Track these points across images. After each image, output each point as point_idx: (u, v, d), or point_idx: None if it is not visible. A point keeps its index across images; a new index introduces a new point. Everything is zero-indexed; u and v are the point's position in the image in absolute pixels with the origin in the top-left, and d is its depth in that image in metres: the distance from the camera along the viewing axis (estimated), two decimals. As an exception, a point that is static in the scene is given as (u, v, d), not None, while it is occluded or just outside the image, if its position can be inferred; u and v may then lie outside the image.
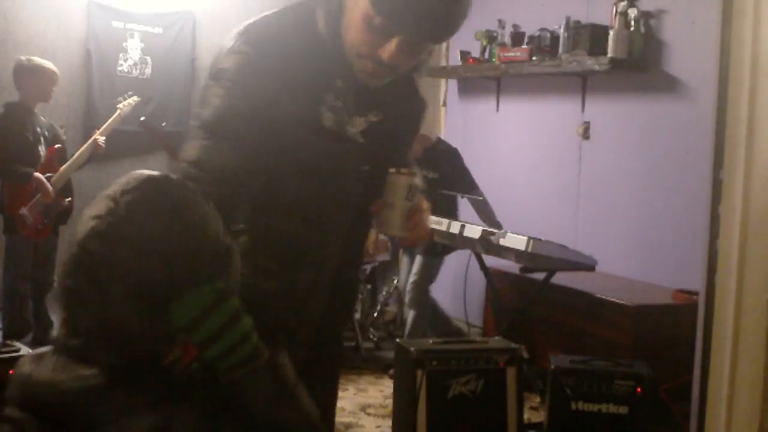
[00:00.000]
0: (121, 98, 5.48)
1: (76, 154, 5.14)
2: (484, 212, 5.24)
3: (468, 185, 5.26)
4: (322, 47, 1.74)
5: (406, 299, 5.36)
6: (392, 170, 1.83)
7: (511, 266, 4.90)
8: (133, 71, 6.19)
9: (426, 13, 1.60)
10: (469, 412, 3.67)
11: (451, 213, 5.17)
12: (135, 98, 5.48)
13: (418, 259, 5.32)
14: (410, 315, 5.35)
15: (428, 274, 5.29)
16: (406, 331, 5.32)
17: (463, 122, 6.56)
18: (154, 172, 1.40)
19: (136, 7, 6.21)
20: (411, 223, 1.85)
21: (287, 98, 1.71)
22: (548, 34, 5.56)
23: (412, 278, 5.32)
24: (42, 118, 5.16)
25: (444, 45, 6.93)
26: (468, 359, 3.69)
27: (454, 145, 5.53)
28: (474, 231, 4.63)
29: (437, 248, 5.13)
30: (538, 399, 4.66)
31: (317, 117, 1.74)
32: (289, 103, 1.71)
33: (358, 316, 5.84)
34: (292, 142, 1.73)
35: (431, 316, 5.37)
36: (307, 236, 1.82)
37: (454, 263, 5.67)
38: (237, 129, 1.70)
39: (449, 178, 5.19)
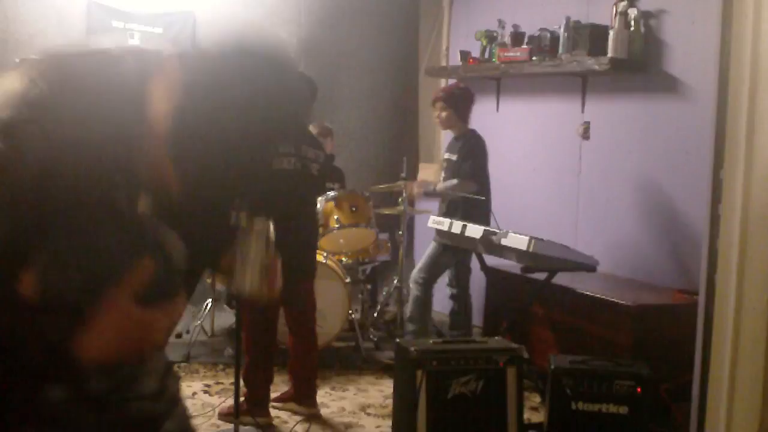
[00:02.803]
0: None
1: None
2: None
3: (464, 171, 5.15)
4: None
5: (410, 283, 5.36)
6: (245, 218, 1.57)
7: (511, 266, 4.90)
8: (133, 71, 6.19)
9: None
10: (469, 412, 3.67)
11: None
12: None
13: (431, 245, 5.30)
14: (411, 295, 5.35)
15: (431, 262, 5.24)
16: (407, 312, 5.34)
17: (463, 122, 6.55)
18: None
19: (136, 7, 6.21)
20: (269, 279, 1.61)
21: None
22: (548, 34, 5.56)
23: (419, 264, 5.34)
24: None
25: (444, 45, 6.93)
26: (468, 359, 3.69)
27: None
28: (475, 231, 4.63)
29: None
30: (538, 399, 4.66)
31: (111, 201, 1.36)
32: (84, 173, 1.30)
33: (358, 316, 5.84)
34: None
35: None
36: None
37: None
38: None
39: (460, 160, 5.19)
